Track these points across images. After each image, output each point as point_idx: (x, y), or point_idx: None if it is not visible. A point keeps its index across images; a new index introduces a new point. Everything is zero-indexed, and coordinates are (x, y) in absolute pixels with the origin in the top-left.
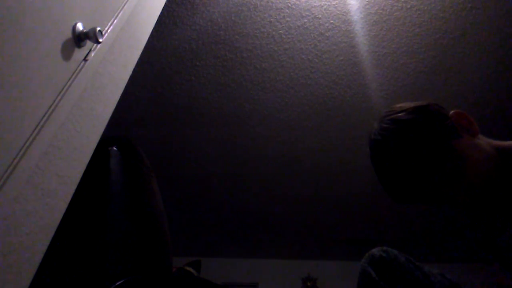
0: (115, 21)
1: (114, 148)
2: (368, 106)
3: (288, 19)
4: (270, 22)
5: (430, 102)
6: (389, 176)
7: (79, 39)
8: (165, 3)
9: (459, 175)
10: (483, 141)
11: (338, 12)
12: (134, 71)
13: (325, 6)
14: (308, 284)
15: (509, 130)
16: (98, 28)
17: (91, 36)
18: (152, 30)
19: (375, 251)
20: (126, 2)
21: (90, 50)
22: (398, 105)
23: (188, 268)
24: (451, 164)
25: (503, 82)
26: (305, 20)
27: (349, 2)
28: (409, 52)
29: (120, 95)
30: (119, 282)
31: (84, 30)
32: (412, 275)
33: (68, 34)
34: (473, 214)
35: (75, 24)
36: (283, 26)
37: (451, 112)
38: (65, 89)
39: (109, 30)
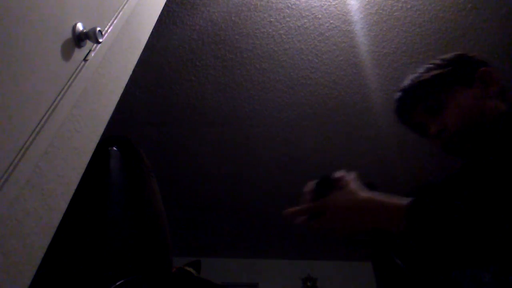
0: (115, 21)
1: (114, 148)
2: (368, 106)
3: (288, 19)
4: (270, 22)
5: (473, 53)
6: (399, 97)
7: (79, 39)
8: (165, 3)
9: (437, 111)
10: (501, 103)
11: (338, 12)
12: (134, 71)
13: (325, 6)
14: (308, 284)
15: None
16: (98, 28)
17: (91, 36)
18: (152, 30)
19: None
20: (126, 2)
21: (90, 50)
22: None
23: (188, 268)
24: (435, 98)
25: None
26: (305, 20)
27: (349, 2)
28: (409, 52)
29: (120, 95)
30: (119, 282)
31: (84, 30)
32: None
33: (68, 34)
34: None
35: (75, 24)
36: (283, 26)
37: (483, 68)
38: (65, 89)
39: (109, 30)
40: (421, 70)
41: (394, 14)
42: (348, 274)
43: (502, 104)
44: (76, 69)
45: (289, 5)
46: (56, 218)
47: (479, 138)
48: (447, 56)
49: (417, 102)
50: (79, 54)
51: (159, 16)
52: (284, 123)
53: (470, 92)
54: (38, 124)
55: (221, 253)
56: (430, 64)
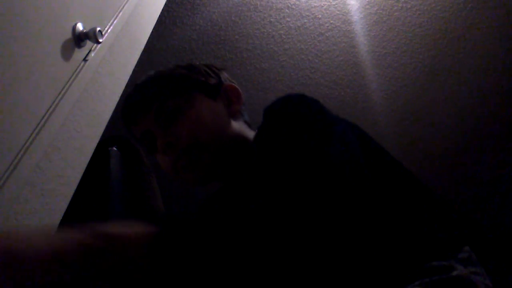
0: (115, 21)
1: (114, 148)
2: (368, 106)
3: (288, 19)
4: (270, 22)
5: (223, 67)
6: (130, 93)
7: (79, 39)
8: (165, 3)
9: (171, 119)
10: (246, 129)
11: (338, 12)
12: (134, 71)
13: (325, 6)
14: None
15: (509, 130)
16: (98, 28)
17: (91, 36)
18: (152, 30)
19: None
20: (126, 2)
21: (90, 50)
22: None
23: None
24: (173, 101)
25: (503, 82)
26: (305, 20)
27: (349, 2)
28: (409, 52)
29: (120, 95)
30: None
31: (84, 30)
32: None
33: (68, 34)
34: None
35: (75, 24)
36: (283, 26)
37: (229, 83)
38: (65, 89)
39: (109, 30)
40: (164, 69)
41: (394, 14)
42: None
43: (248, 130)
44: (76, 69)
45: (289, 5)
46: (56, 218)
47: (218, 160)
48: (197, 63)
49: (151, 103)
50: (79, 54)
51: (159, 16)
52: None
53: (213, 105)
54: (38, 124)
55: None
56: (176, 65)
